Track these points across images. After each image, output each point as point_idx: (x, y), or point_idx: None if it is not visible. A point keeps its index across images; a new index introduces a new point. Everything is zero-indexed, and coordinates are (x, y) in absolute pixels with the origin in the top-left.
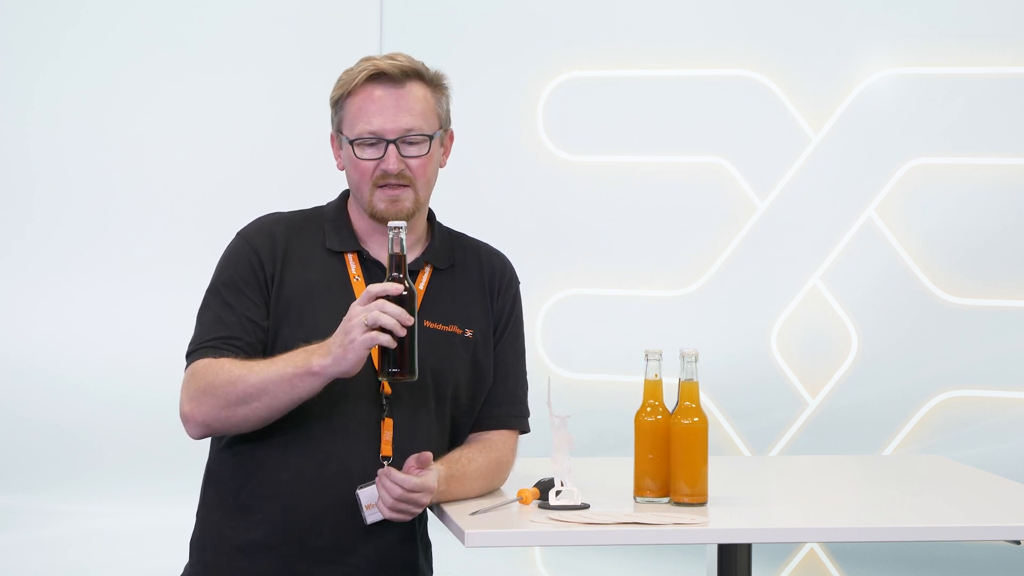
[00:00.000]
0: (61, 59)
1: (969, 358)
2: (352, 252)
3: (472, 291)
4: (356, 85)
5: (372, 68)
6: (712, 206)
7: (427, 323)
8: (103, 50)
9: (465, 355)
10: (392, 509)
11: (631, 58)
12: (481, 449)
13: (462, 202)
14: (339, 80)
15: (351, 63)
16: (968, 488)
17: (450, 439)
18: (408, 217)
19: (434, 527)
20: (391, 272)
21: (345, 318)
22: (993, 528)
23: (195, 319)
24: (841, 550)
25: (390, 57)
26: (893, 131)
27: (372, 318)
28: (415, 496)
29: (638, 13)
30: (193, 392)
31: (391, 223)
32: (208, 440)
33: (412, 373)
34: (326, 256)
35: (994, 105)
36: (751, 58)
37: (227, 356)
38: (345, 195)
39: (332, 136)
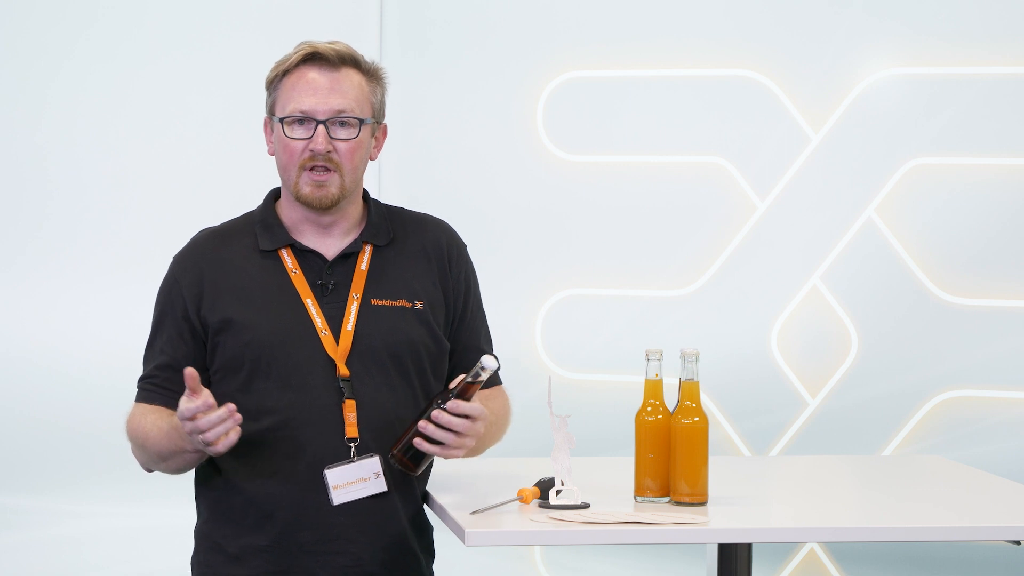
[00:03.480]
0: (74, 58)
1: (969, 358)
2: (285, 247)
3: (417, 264)
4: (291, 65)
5: (308, 49)
6: (712, 206)
7: (374, 301)
8: (101, 51)
9: (421, 326)
10: (452, 444)
11: (631, 58)
12: (485, 400)
13: (462, 202)
14: (275, 62)
15: None
16: (968, 488)
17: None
18: (332, 204)
19: (434, 525)
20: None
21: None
22: (993, 528)
23: None
24: (841, 550)
25: (327, 42)
26: (893, 131)
27: (213, 440)
28: (475, 426)
29: (638, 13)
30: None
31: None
32: None
33: (413, 470)
34: (261, 258)
35: (994, 105)
36: (751, 58)
37: (147, 401)
38: (271, 196)
39: (265, 120)
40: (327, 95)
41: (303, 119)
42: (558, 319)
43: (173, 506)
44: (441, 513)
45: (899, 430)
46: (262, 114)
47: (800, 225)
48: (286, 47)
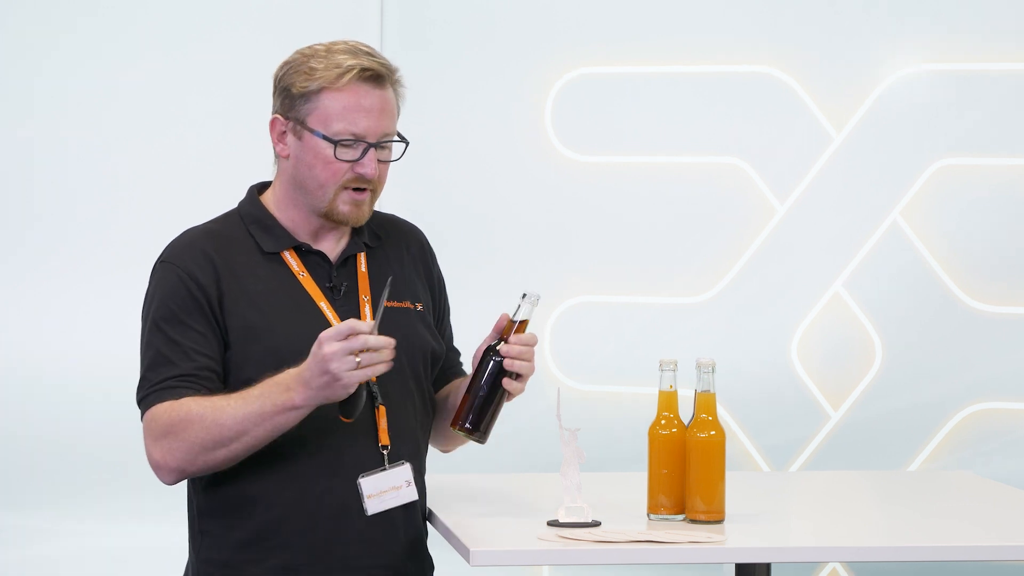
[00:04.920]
0: (63, 55)
1: (999, 368)
2: (289, 249)
3: (407, 265)
4: (345, 83)
5: (360, 66)
6: (729, 209)
7: (386, 303)
8: (97, 50)
9: (424, 328)
10: (528, 373)
11: (643, 54)
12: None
13: (466, 205)
14: (309, 67)
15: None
16: (998, 505)
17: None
18: (364, 222)
19: (438, 544)
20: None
21: (322, 350)
22: None
23: (139, 359)
24: (865, 570)
25: (367, 52)
26: (919, 130)
27: (365, 365)
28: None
29: (651, 6)
30: (160, 439)
31: (530, 295)
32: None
33: (484, 436)
34: (264, 260)
35: None
36: (770, 53)
37: (186, 396)
38: (255, 193)
39: (280, 121)
40: (379, 117)
41: (352, 142)
42: (567, 328)
43: (158, 524)
44: (444, 531)
45: (925, 444)
46: (261, 114)
47: (821, 229)
48: (286, 46)
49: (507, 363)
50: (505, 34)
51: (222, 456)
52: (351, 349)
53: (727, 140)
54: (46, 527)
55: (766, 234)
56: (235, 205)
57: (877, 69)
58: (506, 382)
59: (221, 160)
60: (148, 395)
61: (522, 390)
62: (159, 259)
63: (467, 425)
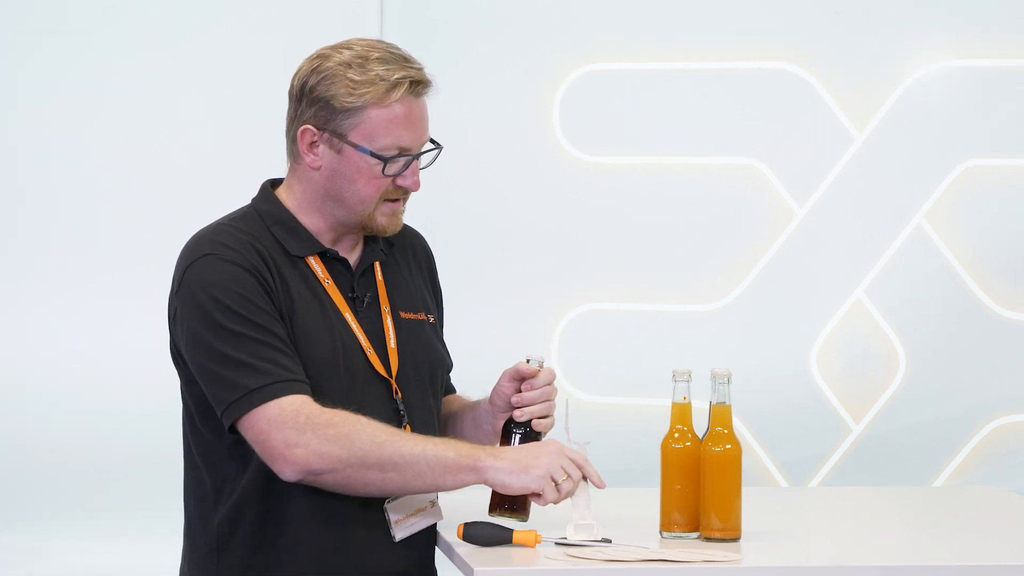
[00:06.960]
0: (54, 57)
1: None
2: (314, 254)
3: (416, 275)
4: (393, 98)
5: (409, 80)
6: (746, 212)
7: (403, 314)
8: (92, 49)
9: (437, 340)
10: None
11: (655, 50)
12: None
13: (470, 208)
14: (350, 80)
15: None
16: None
17: None
18: (397, 231)
19: (440, 563)
20: None
21: (547, 448)
22: None
23: (216, 357)
24: None
25: (403, 57)
26: (944, 129)
27: (566, 487)
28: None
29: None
30: (307, 434)
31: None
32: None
33: (527, 514)
34: (289, 263)
35: None
36: (788, 50)
37: (319, 402)
38: (270, 191)
39: (312, 131)
40: (422, 128)
41: (399, 155)
42: (576, 336)
43: (150, 542)
44: (447, 549)
45: (951, 458)
46: (260, 114)
47: (842, 233)
48: (285, 46)
49: (535, 424)
50: (509, 30)
51: (370, 478)
52: (568, 468)
53: (743, 140)
54: (33, 545)
55: (784, 238)
56: (233, 206)
57: (900, 65)
58: (535, 423)
59: (219, 160)
60: (274, 384)
61: (552, 424)
62: (205, 253)
63: (506, 508)
